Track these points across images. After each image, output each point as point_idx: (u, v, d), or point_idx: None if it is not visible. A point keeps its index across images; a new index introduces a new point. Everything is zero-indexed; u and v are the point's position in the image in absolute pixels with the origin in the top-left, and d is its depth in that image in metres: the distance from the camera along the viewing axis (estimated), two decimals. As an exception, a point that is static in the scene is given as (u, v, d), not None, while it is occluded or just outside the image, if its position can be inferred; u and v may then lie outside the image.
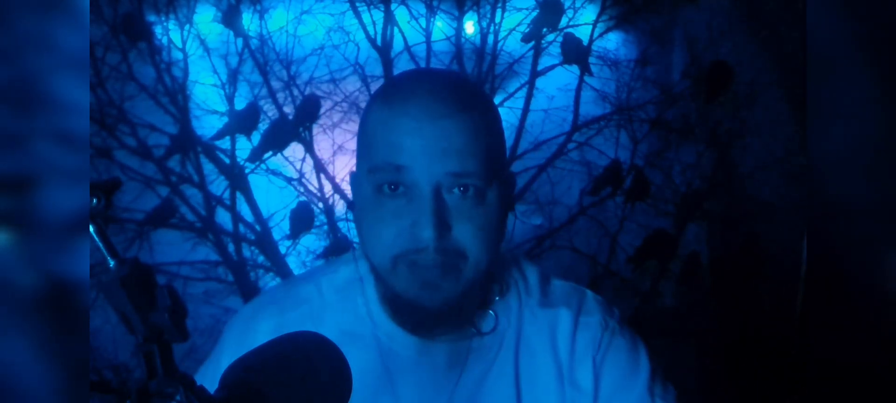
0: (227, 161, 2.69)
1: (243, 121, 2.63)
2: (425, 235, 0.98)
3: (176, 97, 2.64)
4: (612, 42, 2.81)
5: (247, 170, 2.68)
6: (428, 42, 2.64)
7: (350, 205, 1.01)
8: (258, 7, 2.62)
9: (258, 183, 2.71)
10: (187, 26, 2.63)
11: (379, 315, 1.09)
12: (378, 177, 1.00)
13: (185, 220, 2.69)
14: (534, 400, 1.10)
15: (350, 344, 0.99)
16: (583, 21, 2.74)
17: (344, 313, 1.11)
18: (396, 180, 0.99)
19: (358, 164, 1.07)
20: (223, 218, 2.73)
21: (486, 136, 1.01)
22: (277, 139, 2.63)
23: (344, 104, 2.69)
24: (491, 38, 2.68)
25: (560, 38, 2.70)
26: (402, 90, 1.02)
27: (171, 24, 2.64)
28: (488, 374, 1.09)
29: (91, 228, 0.71)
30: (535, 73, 2.72)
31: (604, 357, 1.11)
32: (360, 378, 0.95)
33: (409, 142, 0.98)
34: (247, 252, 2.75)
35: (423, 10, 2.64)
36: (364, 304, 1.10)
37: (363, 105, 2.66)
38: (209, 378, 1.02)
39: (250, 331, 1.12)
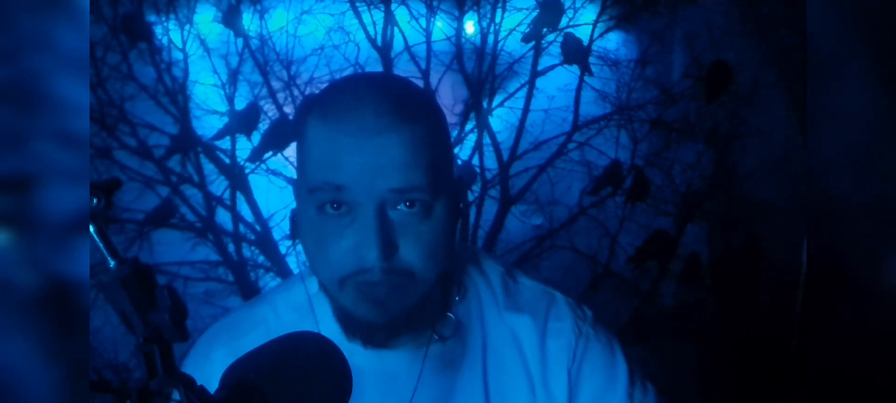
0: (228, 161, 2.69)
1: (243, 121, 2.63)
2: (370, 256, 0.94)
3: (176, 97, 2.64)
4: (613, 42, 2.81)
5: (247, 170, 2.68)
6: (428, 42, 2.64)
7: (293, 216, 0.98)
8: (258, 7, 2.62)
9: (258, 183, 2.71)
10: (187, 26, 2.63)
11: (334, 331, 1.03)
12: (318, 196, 0.96)
13: (185, 220, 2.69)
14: (503, 400, 1.07)
15: None
16: (583, 21, 2.74)
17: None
18: (337, 199, 0.95)
19: (297, 179, 1.03)
20: (223, 218, 2.73)
21: (431, 147, 0.96)
22: (278, 139, 2.63)
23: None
24: (491, 38, 2.68)
25: (560, 38, 2.69)
26: (338, 102, 0.96)
27: (172, 24, 2.63)
28: (455, 382, 1.07)
29: (91, 228, 0.71)
30: (535, 73, 2.72)
31: (580, 367, 1.07)
32: None
33: (347, 160, 0.93)
34: (247, 252, 2.75)
35: (423, 10, 2.64)
36: (315, 323, 1.08)
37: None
38: None
39: (207, 360, 1.10)
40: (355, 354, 1.02)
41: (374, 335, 1.01)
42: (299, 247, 2.66)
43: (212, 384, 1.03)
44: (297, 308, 1.11)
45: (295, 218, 2.63)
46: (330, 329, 1.05)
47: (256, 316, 1.13)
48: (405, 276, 0.97)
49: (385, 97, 0.96)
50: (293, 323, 1.09)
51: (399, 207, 0.95)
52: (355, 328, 1.01)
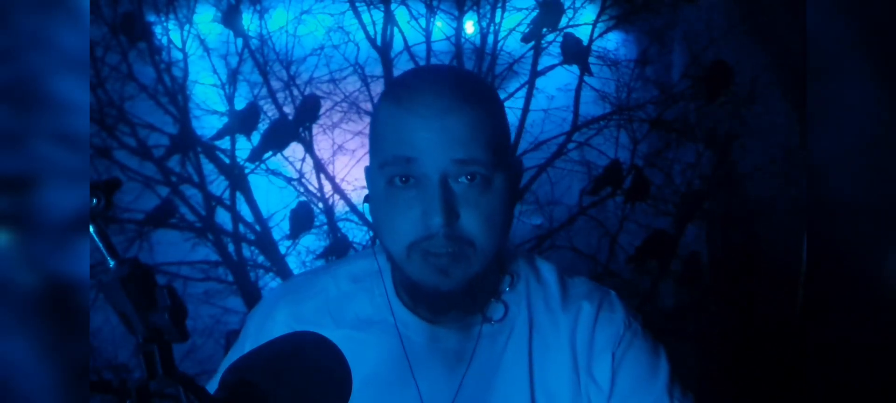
0: (227, 161, 2.69)
1: (243, 121, 2.63)
2: (435, 222, 1.03)
3: (176, 97, 2.64)
4: (612, 42, 2.81)
5: (247, 170, 2.68)
6: (428, 42, 2.64)
7: (367, 198, 1.09)
8: (258, 7, 2.62)
9: (258, 183, 2.71)
10: (187, 26, 2.63)
11: (395, 303, 1.15)
12: (389, 170, 1.06)
13: (184, 220, 2.69)
14: (547, 389, 1.13)
15: (368, 330, 1.13)
16: (583, 21, 2.74)
17: (361, 302, 1.17)
18: (406, 172, 1.05)
19: (371, 160, 1.13)
20: (223, 218, 2.73)
21: (490, 127, 1.07)
22: (277, 139, 2.63)
23: (344, 104, 2.69)
24: (491, 38, 2.68)
25: (560, 38, 2.70)
26: (408, 88, 1.08)
27: (171, 24, 2.64)
28: (500, 361, 1.13)
29: (91, 228, 0.71)
30: (535, 73, 2.72)
31: (624, 354, 1.14)
32: (379, 361, 1.07)
33: (416, 136, 1.04)
34: (247, 252, 2.75)
35: (422, 10, 2.64)
36: (382, 294, 1.16)
37: (363, 105, 2.67)
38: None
39: (269, 320, 1.18)
40: (412, 327, 1.13)
41: (436, 304, 1.10)
42: (299, 247, 2.68)
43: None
44: (356, 279, 1.19)
45: (295, 218, 2.64)
46: (393, 301, 1.15)
47: (318, 283, 1.21)
48: (466, 244, 1.05)
49: (450, 82, 1.09)
50: (351, 292, 1.18)
51: (461, 180, 1.05)
52: (420, 298, 1.11)
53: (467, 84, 1.11)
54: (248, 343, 1.18)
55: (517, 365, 1.13)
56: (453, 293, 1.07)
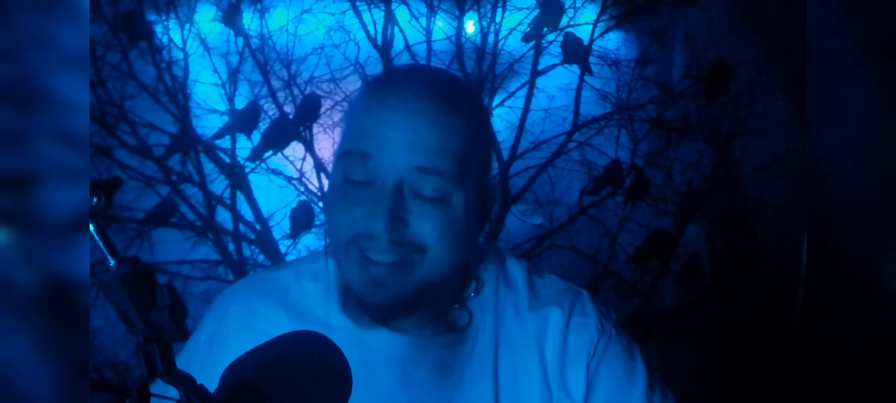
0: (228, 160, 2.69)
1: (244, 121, 2.63)
2: (377, 227, 0.96)
3: (176, 96, 2.64)
4: (613, 42, 2.81)
5: (247, 170, 2.68)
6: (428, 41, 2.64)
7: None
8: (259, 6, 2.62)
9: (258, 182, 2.71)
10: (188, 25, 2.63)
11: (349, 307, 1.07)
12: (345, 162, 1.00)
13: (185, 219, 2.69)
14: (514, 401, 1.07)
15: (328, 335, 1.00)
16: (583, 20, 2.74)
17: (322, 303, 1.10)
18: (361, 167, 0.98)
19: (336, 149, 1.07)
20: (223, 217, 2.73)
21: (462, 137, 0.99)
22: (278, 138, 2.63)
23: (344, 103, 2.69)
24: (491, 38, 2.68)
25: (560, 38, 2.69)
26: (388, 81, 1.03)
27: (172, 23, 2.64)
28: (464, 371, 1.06)
29: (91, 227, 0.71)
30: (535, 73, 2.72)
31: (599, 363, 1.07)
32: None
33: (379, 131, 0.97)
34: (247, 251, 2.75)
35: (423, 9, 2.64)
36: (322, 295, 1.10)
37: (364, 104, 2.66)
38: (184, 357, 1.07)
39: (225, 315, 1.13)
40: (363, 330, 1.05)
41: (375, 315, 1.03)
42: (300, 247, 2.68)
43: (225, 339, 1.09)
44: (318, 278, 1.12)
45: (295, 217, 2.64)
46: (346, 304, 1.07)
47: (279, 280, 1.14)
48: (414, 250, 0.98)
49: (432, 83, 1.01)
50: (310, 292, 1.11)
51: (418, 188, 0.97)
52: (354, 304, 1.04)
53: (451, 89, 1.03)
54: (202, 332, 1.13)
55: (481, 378, 1.06)
56: (389, 307, 1.00)
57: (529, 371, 1.07)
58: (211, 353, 1.10)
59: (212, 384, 0.76)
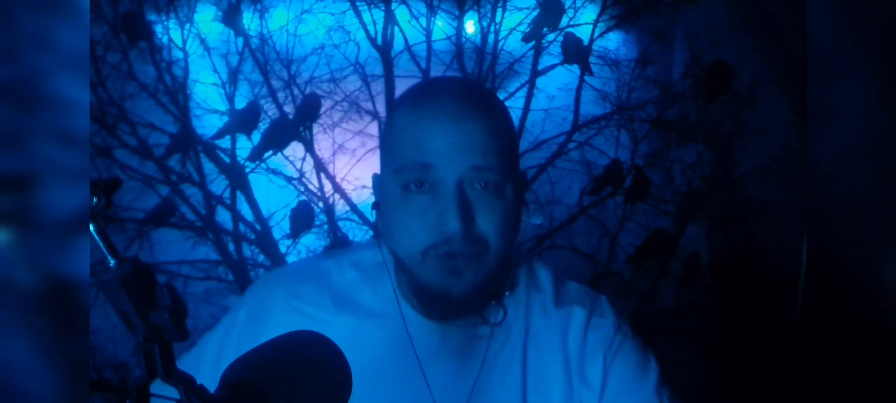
0: (228, 160, 2.69)
1: (244, 121, 2.63)
2: (452, 227, 1.05)
3: (176, 96, 2.64)
4: (613, 42, 2.81)
5: (247, 170, 2.68)
6: (428, 41, 2.64)
7: (375, 205, 1.11)
8: (259, 6, 2.62)
9: (258, 182, 2.71)
10: (188, 25, 2.63)
11: (402, 298, 1.16)
12: (405, 175, 1.07)
13: (185, 219, 2.69)
14: (539, 390, 1.15)
15: (371, 321, 1.14)
16: (583, 20, 2.74)
17: (365, 292, 1.18)
18: (422, 178, 1.06)
19: (383, 166, 1.14)
20: (223, 217, 2.73)
21: (503, 136, 1.09)
22: (278, 138, 2.63)
23: (344, 103, 2.69)
24: (491, 38, 2.68)
25: (560, 38, 2.69)
26: (426, 95, 1.10)
27: (172, 23, 2.64)
28: (496, 363, 1.15)
29: (91, 227, 0.71)
30: (535, 73, 2.72)
31: (615, 355, 1.17)
32: (382, 353, 1.09)
33: (434, 142, 1.06)
34: (247, 251, 2.75)
35: (423, 9, 2.64)
36: (385, 286, 1.17)
37: (364, 104, 2.67)
38: (221, 334, 1.18)
39: (269, 295, 1.19)
40: (417, 324, 1.14)
41: (445, 307, 1.11)
42: (300, 247, 2.68)
43: (268, 318, 1.16)
44: (361, 268, 1.20)
45: (295, 217, 2.63)
46: (388, 293, 1.16)
47: (321, 267, 1.22)
48: (481, 246, 1.07)
49: (467, 91, 1.11)
50: (354, 281, 1.19)
51: (476, 186, 1.06)
52: (429, 299, 1.11)
53: (481, 94, 1.16)
54: (242, 310, 1.19)
55: (511, 368, 1.15)
56: (463, 296, 1.08)
57: (554, 364, 1.16)
58: (252, 330, 1.16)
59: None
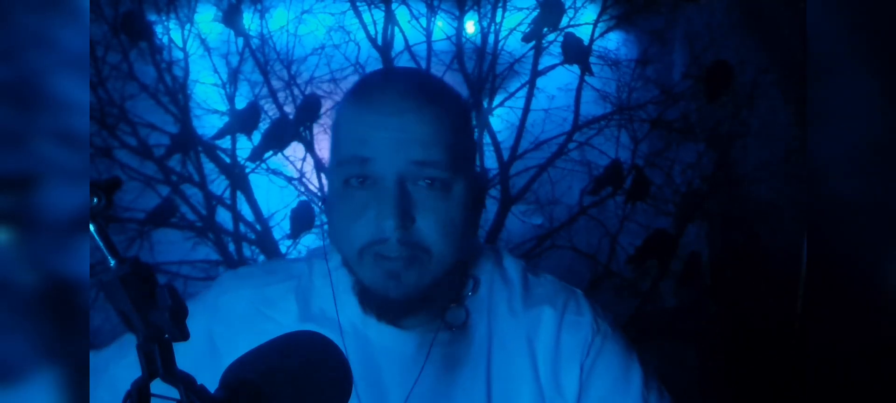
0: (228, 160, 2.69)
1: (244, 121, 2.63)
2: (387, 225, 0.99)
3: (176, 96, 2.64)
4: (613, 42, 2.81)
5: (247, 170, 2.68)
6: (428, 41, 2.64)
7: (323, 201, 1.06)
8: (259, 6, 2.62)
9: (259, 182, 2.71)
10: (188, 25, 2.63)
11: (350, 302, 1.09)
12: (345, 169, 1.02)
13: (185, 220, 2.69)
14: (506, 398, 1.08)
15: (327, 328, 1.04)
16: (583, 21, 2.74)
17: (324, 298, 1.12)
18: (362, 173, 1.01)
19: (329, 159, 1.09)
20: (224, 217, 2.72)
21: (450, 130, 1.03)
22: (278, 138, 2.63)
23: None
24: (491, 38, 2.68)
25: (561, 38, 2.69)
26: (369, 86, 1.06)
27: (172, 24, 2.63)
28: (459, 369, 1.09)
29: (91, 227, 0.71)
30: (535, 73, 2.72)
31: (594, 362, 1.09)
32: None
33: (373, 135, 1.00)
34: (247, 251, 2.75)
35: (423, 9, 2.64)
36: (331, 292, 1.11)
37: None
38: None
39: (236, 297, 1.14)
40: (368, 327, 1.08)
41: (388, 310, 1.05)
42: (300, 247, 2.68)
43: (228, 320, 1.11)
44: (324, 276, 1.14)
45: (295, 217, 2.64)
46: (347, 300, 1.09)
47: (292, 269, 1.17)
48: (420, 250, 1.01)
49: (409, 82, 1.06)
50: (319, 287, 1.14)
51: (419, 183, 1.01)
52: (371, 302, 1.06)
53: (429, 86, 1.07)
54: (199, 304, 1.14)
55: (475, 375, 1.09)
56: (404, 299, 1.03)
57: (521, 370, 1.09)
58: (216, 348, 1.11)
59: (218, 373, 0.77)
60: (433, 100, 1.03)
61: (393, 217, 0.99)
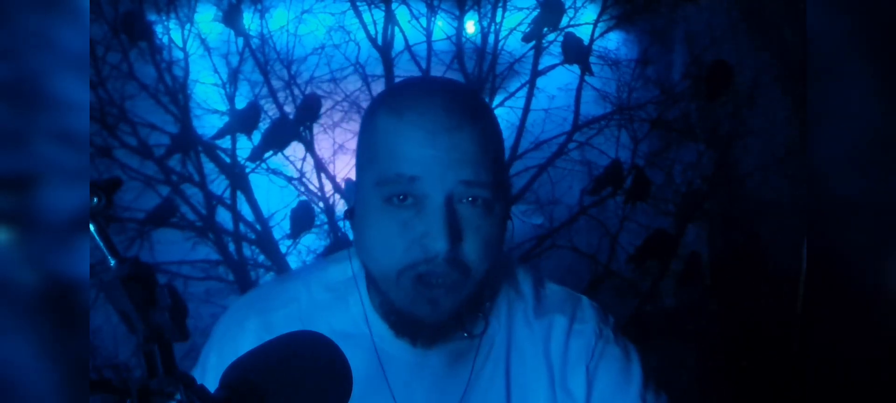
0: (228, 160, 2.69)
1: (244, 121, 2.63)
2: (437, 246, 0.96)
3: (176, 96, 2.64)
4: (613, 42, 2.81)
5: (247, 170, 2.68)
6: (428, 41, 2.64)
7: (347, 214, 1.01)
8: (259, 6, 2.62)
9: (259, 182, 2.71)
10: (188, 25, 2.63)
11: (373, 317, 1.08)
12: (388, 188, 0.98)
13: (185, 220, 2.69)
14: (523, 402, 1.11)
15: (344, 344, 0.97)
16: (583, 20, 2.74)
17: (336, 312, 1.10)
18: (407, 191, 0.98)
19: (360, 174, 1.05)
20: (224, 217, 2.73)
21: (495, 148, 1.02)
22: (278, 138, 2.63)
23: (345, 103, 2.69)
24: (492, 38, 2.68)
25: (561, 38, 2.70)
26: (409, 100, 1.01)
27: (172, 23, 2.63)
28: (479, 376, 1.10)
29: (91, 227, 0.71)
30: (535, 73, 2.72)
31: (597, 365, 1.12)
32: (356, 377, 0.94)
33: (421, 153, 0.97)
34: (247, 251, 2.75)
35: (423, 9, 2.64)
36: (359, 304, 1.10)
37: (364, 104, 2.66)
38: (197, 377, 1.05)
39: (241, 329, 1.12)
40: (391, 343, 1.07)
41: (418, 332, 1.04)
42: (300, 247, 2.68)
43: (242, 351, 1.06)
44: (331, 288, 1.12)
45: (295, 217, 2.63)
46: (371, 314, 1.08)
47: (288, 292, 1.14)
48: (462, 273, 0.99)
49: (455, 96, 1.01)
50: (324, 302, 1.11)
51: (464, 201, 0.98)
52: (400, 324, 1.04)
53: (472, 100, 1.05)
54: (212, 354, 1.13)
55: (494, 381, 1.10)
56: (436, 324, 1.02)
57: (538, 375, 1.11)
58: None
59: None
60: (478, 117, 1.00)
61: (443, 238, 0.96)
